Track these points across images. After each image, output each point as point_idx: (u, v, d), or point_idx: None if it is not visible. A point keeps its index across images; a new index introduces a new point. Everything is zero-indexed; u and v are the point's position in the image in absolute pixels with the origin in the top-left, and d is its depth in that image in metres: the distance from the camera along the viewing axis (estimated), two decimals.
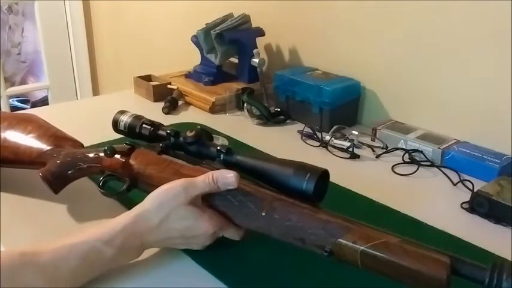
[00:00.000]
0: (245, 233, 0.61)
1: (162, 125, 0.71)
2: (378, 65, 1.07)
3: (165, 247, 0.62)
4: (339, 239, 0.50)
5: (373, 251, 0.48)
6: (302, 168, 0.56)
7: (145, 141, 0.70)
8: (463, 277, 0.46)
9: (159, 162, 0.65)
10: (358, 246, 0.49)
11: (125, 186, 0.67)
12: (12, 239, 0.64)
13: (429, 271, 0.46)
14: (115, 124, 0.72)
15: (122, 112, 0.72)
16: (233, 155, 0.62)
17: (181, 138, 0.66)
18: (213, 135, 0.69)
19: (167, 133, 0.67)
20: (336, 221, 0.52)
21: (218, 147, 0.63)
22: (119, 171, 0.68)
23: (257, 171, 0.60)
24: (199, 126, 0.67)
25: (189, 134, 0.65)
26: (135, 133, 0.70)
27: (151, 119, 0.71)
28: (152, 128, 0.69)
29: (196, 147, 0.65)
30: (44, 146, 0.72)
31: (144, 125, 0.70)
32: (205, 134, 0.67)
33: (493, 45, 0.88)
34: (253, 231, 0.58)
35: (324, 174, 0.57)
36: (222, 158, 0.63)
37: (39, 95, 2.77)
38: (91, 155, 0.70)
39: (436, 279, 0.45)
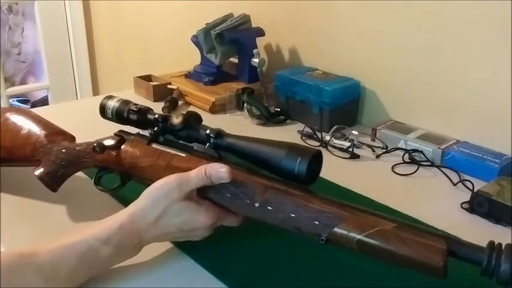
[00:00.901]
0: (243, 220, 0.61)
1: (151, 109, 0.69)
2: (378, 65, 1.07)
3: (164, 247, 0.62)
4: (334, 229, 0.50)
5: (368, 240, 0.48)
6: (294, 150, 0.56)
7: (134, 127, 0.69)
8: (461, 259, 0.46)
9: (149, 153, 0.64)
10: (353, 236, 0.49)
11: (118, 183, 0.67)
12: (12, 238, 0.64)
13: (425, 259, 0.46)
14: (102, 109, 0.70)
15: (110, 97, 0.71)
16: (223, 138, 0.62)
17: (169, 124, 0.65)
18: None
19: (155, 119, 0.66)
20: (329, 209, 0.51)
21: (207, 132, 0.62)
22: (111, 166, 0.68)
23: (248, 154, 0.59)
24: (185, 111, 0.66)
25: (176, 121, 0.64)
26: (123, 118, 0.69)
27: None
28: (140, 114, 0.68)
29: (185, 132, 0.65)
30: (37, 142, 0.71)
31: (131, 110, 0.68)
32: (192, 118, 0.65)
33: (493, 45, 0.88)
34: (251, 219, 0.57)
35: (316, 156, 0.56)
36: (212, 142, 0.62)
37: (39, 95, 2.77)
38: (83, 150, 0.70)
39: (433, 266, 0.45)
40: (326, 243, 0.51)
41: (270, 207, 0.54)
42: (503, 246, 0.45)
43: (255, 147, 0.59)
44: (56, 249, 0.52)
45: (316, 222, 0.51)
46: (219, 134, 0.62)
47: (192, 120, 0.65)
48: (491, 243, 0.45)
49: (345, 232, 0.49)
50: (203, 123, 0.66)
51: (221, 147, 0.62)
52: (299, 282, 0.58)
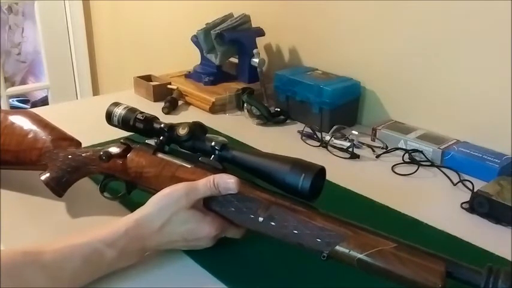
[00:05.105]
0: (246, 232, 0.61)
1: (157, 118, 0.69)
2: (378, 65, 1.07)
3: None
4: (336, 247, 0.50)
5: (369, 260, 0.49)
6: (298, 166, 0.56)
7: (140, 134, 0.69)
8: (459, 281, 0.46)
9: (154, 163, 0.64)
10: (354, 255, 0.49)
11: (124, 191, 0.68)
12: (13, 238, 0.64)
13: (424, 280, 0.46)
14: (108, 116, 0.70)
15: (116, 104, 0.70)
16: (229, 151, 0.62)
17: (175, 135, 0.65)
18: (213, 135, 0.69)
19: (161, 128, 0.66)
20: (331, 227, 0.52)
21: (212, 144, 0.62)
22: (117, 174, 0.68)
23: (253, 168, 0.60)
24: (191, 121, 0.66)
25: (182, 132, 0.64)
26: (129, 126, 0.69)
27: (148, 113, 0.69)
28: (146, 122, 0.67)
29: (191, 143, 0.64)
30: (43, 147, 0.72)
31: (137, 118, 0.68)
32: (198, 129, 0.65)
33: (493, 45, 0.88)
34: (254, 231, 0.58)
35: (320, 171, 0.56)
36: (217, 154, 0.62)
37: (39, 95, 2.78)
38: (89, 157, 0.70)
39: None
40: (327, 260, 0.51)
41: (273, 223, 0.55)
42: (501, 271, 0.45)
43: (260, 162, 0.59)
44: (60, 249, 0.52)
45: (318, 240, 0.51)
46: (224, 146, 0.62)
47: (198, 131, 0.65)
48: (489, 267, 0.45)
49: (346, 251, 0.50)
50: (203, 123, 0.66)
51: (226, 160, 0.62)
52: (299, 282, 0.58)
